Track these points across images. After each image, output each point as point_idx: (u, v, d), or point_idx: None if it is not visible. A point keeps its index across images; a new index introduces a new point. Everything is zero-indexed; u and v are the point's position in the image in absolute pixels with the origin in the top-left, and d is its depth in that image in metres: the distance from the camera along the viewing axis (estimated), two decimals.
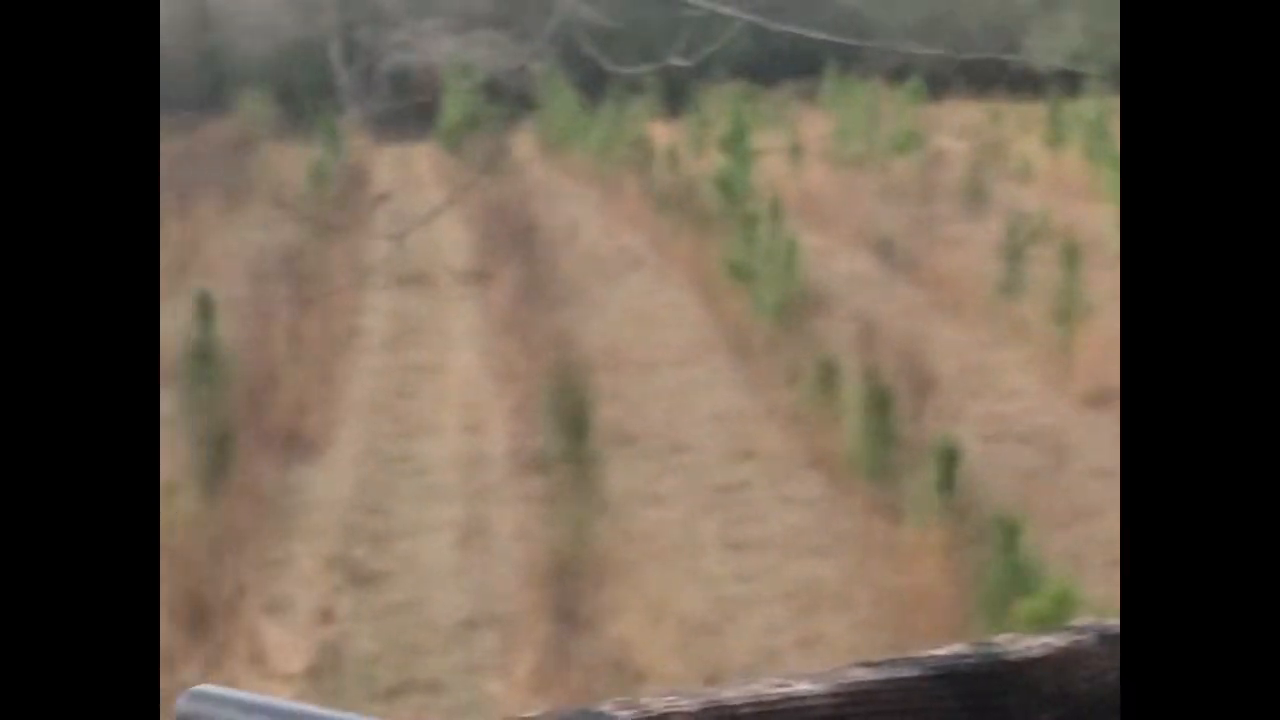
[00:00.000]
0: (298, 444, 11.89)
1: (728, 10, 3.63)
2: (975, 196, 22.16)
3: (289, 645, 8.42)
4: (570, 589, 8.89)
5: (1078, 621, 1.27)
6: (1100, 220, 19.03)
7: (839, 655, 8.13)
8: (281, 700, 0.94)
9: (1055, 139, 26.44)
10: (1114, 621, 1.25)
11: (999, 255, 15.41)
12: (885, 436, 10.17)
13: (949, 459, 9.01)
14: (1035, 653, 1.23)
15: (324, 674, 8.19)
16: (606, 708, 1.09)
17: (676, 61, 3.87)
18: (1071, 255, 13.28)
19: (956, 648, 1.22)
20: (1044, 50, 41.27)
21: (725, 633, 8.67)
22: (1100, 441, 11.33)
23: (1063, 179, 24.62)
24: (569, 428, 10.44)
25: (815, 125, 28.51)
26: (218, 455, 10.63)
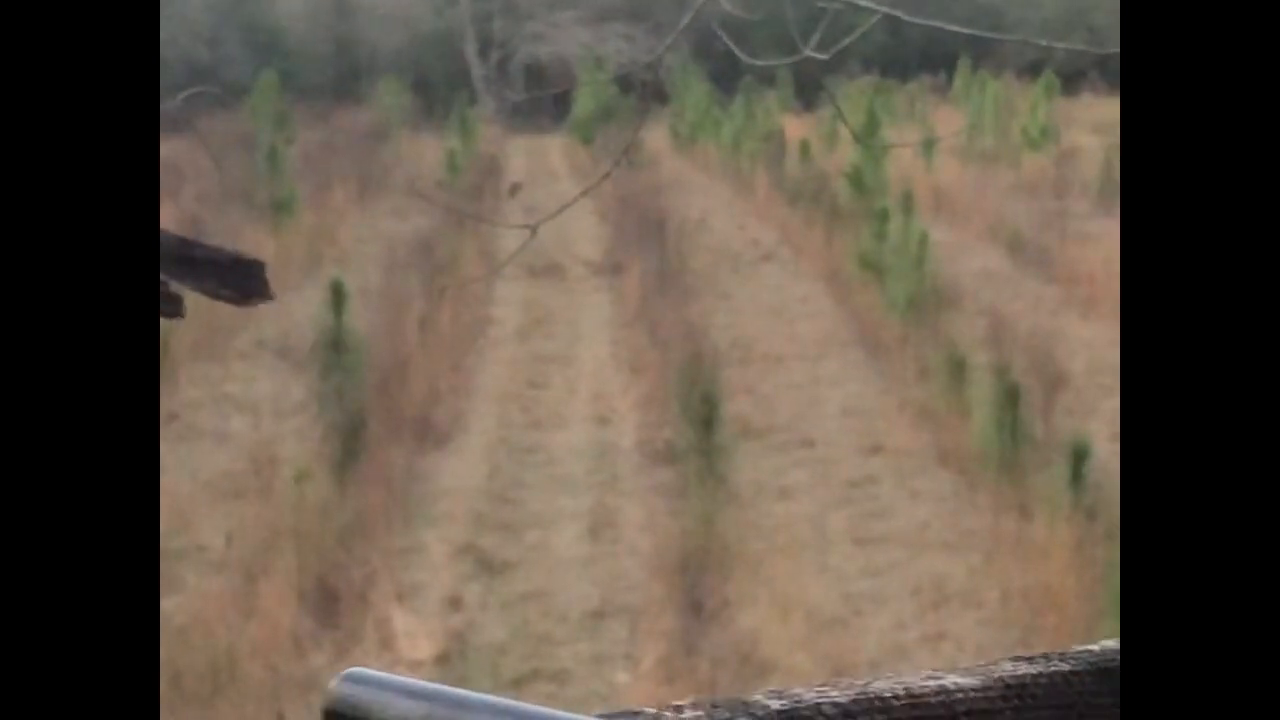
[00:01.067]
0: (428, 432, 12.01)
1: (865, 2, 3.64)
2: (1109, 192, 21.94)
3: (418, 632, 8.51)
4: (698, 581, 8.92)
5: None
6: None
7: (966, 652, 8.11)
8: (437, 685, 0.95)
9: None
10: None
11: None
12: (1015, 433, 10.12)
13: (1079, 456, 8.95)
14: None
15: (452, 662, 8.27)
16: (758, 697, 1.09)
17: (812, 54, 3.87)
18: None
19: (1110, 643, 1.21)
20: None
21: (852, 627, 8.67)
22: None
23: None
24: (698, 420, 10.46)
25: (948, 120, 28.33)
26: (349, 442, 10.76)
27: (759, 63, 4.53)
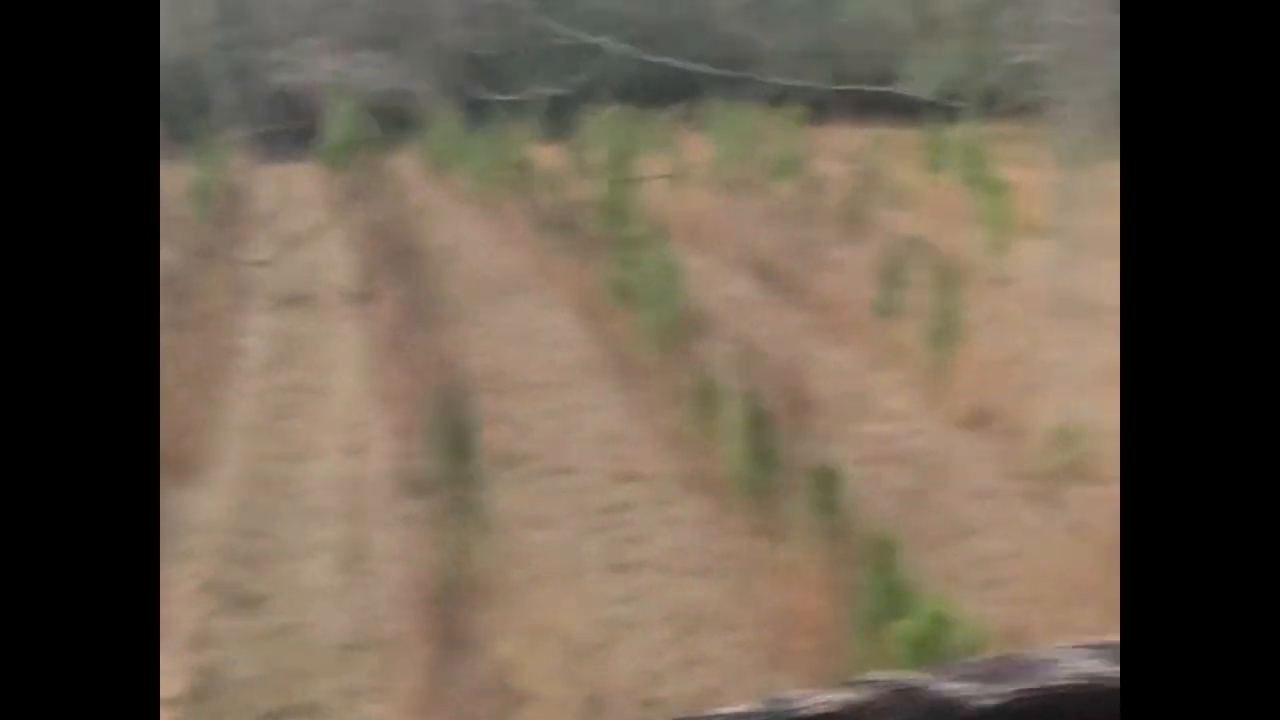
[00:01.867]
0: (176, 466, 11.79)
1: (598, 40, 3.67)
2: (855, 220, 22.34)
3: (166, 670, 8.35)
4: (453, 611, 8.87)
5: (872, 676, 1.24)
6: (975, 244, 19.24)
7: (720, 677, 8.18)
8: None
9: (933, 164, 26.71)
10: (909, 675, 1.22)
11: (878, 278, 15.55)
12: (766, 458, 10.23)
13: (828, 480, 9.08)
14: (826, 708, 1.20)
15: (202, 699, 8.12)
16: None
17: (548, 90, 3.89)
18: (948, 279, 13.43)
19: (746, 706, 1.20)
20: (923, 77, 41.78)
21: (608, 654, 8.69)
22: (975, 462, 11.45)
23: (940, 204, 24.87)
24: (452, 450, 10.41)
25: (697, 149, 28.61)
26: None
27: (497, 97, 4.52)
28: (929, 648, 6.57)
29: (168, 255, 17.95)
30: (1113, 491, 10.41)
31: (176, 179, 25.60)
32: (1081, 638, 1.14)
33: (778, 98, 31.05)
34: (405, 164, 29.04)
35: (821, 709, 1.20)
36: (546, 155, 26.02)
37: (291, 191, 27.83)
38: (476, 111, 28.50)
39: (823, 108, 32.14)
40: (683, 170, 25.63)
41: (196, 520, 10.76)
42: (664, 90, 32.39)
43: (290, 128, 29.76)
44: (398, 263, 18.29)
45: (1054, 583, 8.91)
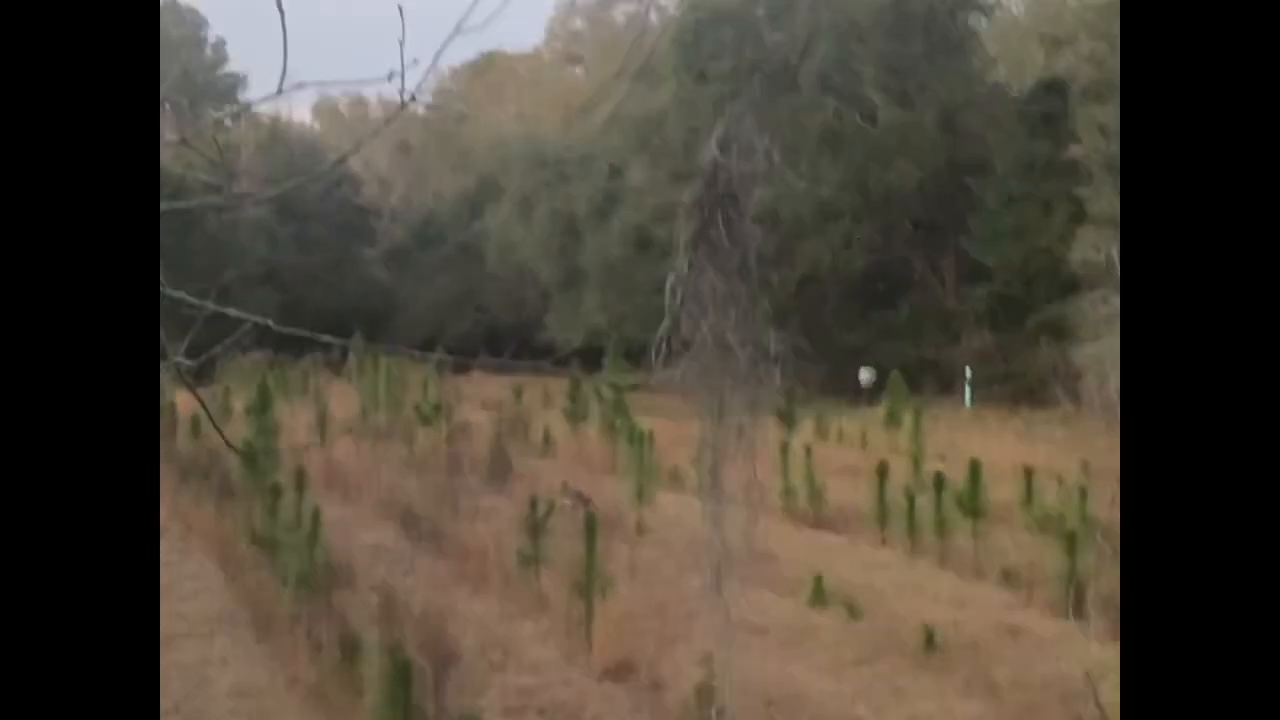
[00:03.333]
0: None
1: (232, 312, 3.72)
2: (498, 468, 22.48)
3: None
4: None
5: None
6: (617, 493, 19.49)
7: None
8: None
9: (576, 413, 27.10)
10: None
11: (521, 527, 15.62)
12: (407, 710, 10.11)
13: None
14: None
15: None
16: None
17: (180, 360, 3.90)
18: (591, 528, 13.56)
19: None
20: (567, 326, 42.52)
21: None
22: (617, 714, 11.49)
23: (582, 452, 25.19)
24: None
25: (342, 395, 28.55)
26: None
27: None
28: None
29: None
30: None
31: None
32: None
33: (425, 342, 31.29)
34: None
35: None
36: (188, 400, 25.72)
37: None
38: None
39: (467, 355, 32.46)
40: (325, 417, 25.54)
41: None
42: (307, 337, 32.44)
43: None
44: None
45: None
